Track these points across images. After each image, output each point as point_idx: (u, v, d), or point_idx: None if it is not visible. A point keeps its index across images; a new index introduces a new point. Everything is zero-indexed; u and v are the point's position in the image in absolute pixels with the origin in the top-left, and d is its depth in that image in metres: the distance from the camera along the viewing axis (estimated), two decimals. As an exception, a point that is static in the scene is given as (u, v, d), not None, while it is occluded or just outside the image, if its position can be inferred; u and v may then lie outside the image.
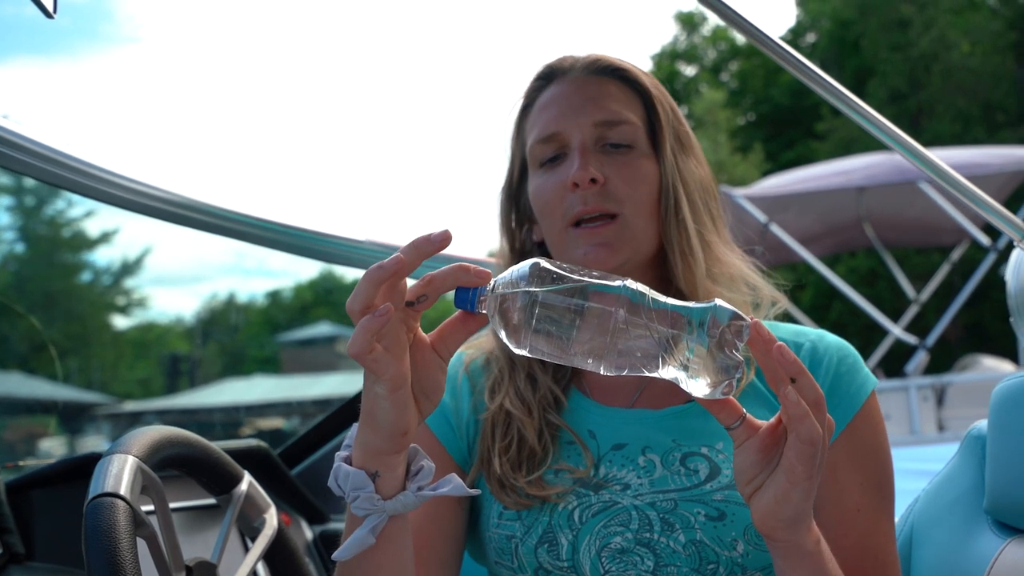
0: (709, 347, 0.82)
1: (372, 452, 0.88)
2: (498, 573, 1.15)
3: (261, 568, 1.50)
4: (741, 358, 0.82)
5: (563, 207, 1.14)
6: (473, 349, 1.27)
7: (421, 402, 0.89)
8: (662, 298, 0.84)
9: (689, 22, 27.33)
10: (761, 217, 8.57)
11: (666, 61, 26.66)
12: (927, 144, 1.22)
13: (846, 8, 23.28)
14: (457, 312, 0.88)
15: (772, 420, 0.87)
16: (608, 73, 1.20)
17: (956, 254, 9.85)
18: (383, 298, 0.83)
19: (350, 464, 0.89)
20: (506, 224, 1.26)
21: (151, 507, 1.04)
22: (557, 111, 1.18)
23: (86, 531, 0.92)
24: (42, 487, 1.46)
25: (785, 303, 1.20)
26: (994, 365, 9.30)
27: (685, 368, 0.83)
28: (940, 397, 7.81)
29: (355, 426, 0.91)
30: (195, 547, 1.38)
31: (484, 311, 0.86)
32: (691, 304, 0.84)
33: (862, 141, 19.25)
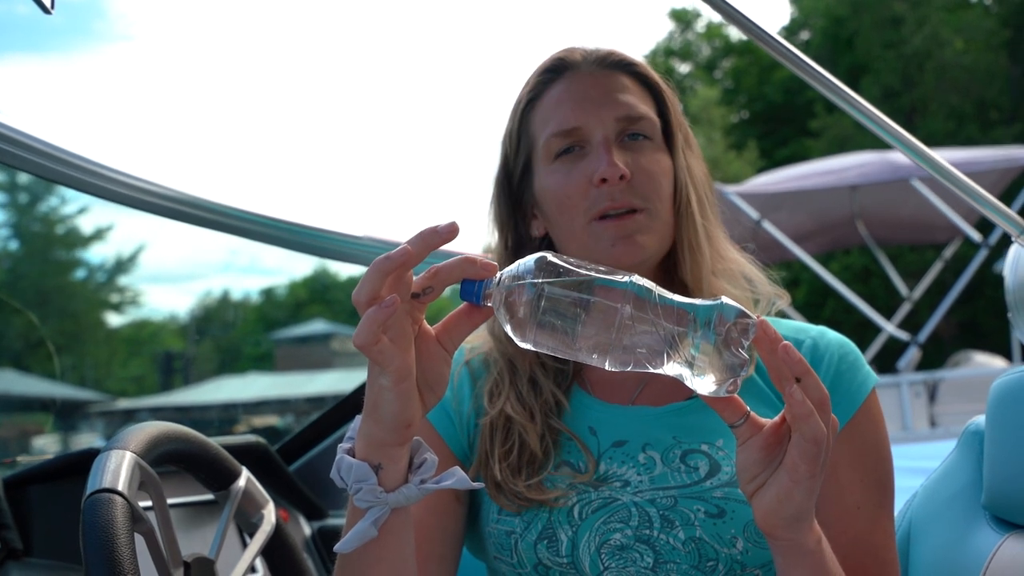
0: (715, 345, 0.82)
1: (375, 444, 0.87)
2: (497, 568, 1.15)
3: (259, 564, 1.50)
4: (747, 356, 0.82)
5: (586, 202, 1.13)
6: (472, 346, 1.26)
7: (425, 394, 0.89)
8: (668, 295, 0.84)
9: (683, 19, 27.33)
10: (753, 214, 8.58)
11: (660, 58, 26.65)
12: (921, 142, 1.22)
13: (839, 5, 23.30)
14: (462, 304, 0.88)
15: (776, 419, 0.87)
16: (621, 68, 1.19)
17: (949, 251, 9.87)
18: (389, 289, 0.83)
19: (353, 456, 0.89)
20: (501, 219, 1.24)
21: (149, 503, 1.04)
22: (575, 105, 1.16)
23: (84, 527, 0.92)
24: (40, 483, 1.45)
25: (786, 300, 1.20)
26: (986, 361, 9.33)
27: (690, 365, 0.83)
28: (932, 393, 7.83)
29: (358, 418, 0.90)
30: (193, 543, 1.38)
31: (489, 304, 0.85)
32: (697, 301, 0.84)
33: (856, 138, 19.29)
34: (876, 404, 1.13)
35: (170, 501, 1.12)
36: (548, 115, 1.18)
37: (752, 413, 0.87)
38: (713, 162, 19.69)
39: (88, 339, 23.25)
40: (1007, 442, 1.12)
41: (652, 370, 0.84)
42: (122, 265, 24.69)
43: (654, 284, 0.85)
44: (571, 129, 1.16)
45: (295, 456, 1.95)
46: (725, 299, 0.83)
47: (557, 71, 1.20)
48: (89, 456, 1.11)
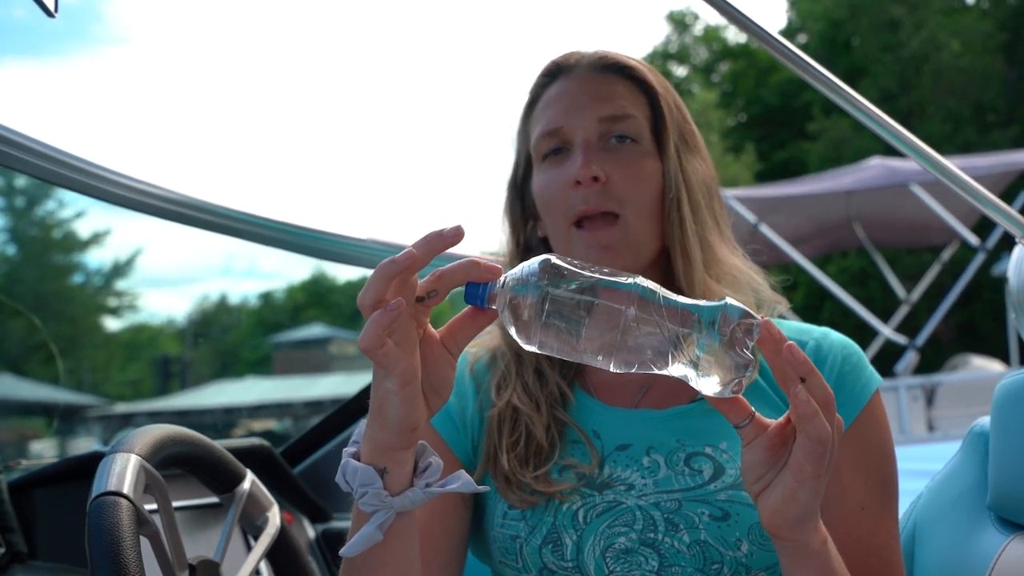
0: (719, 345, 0.82)
1: (381, 448, 0.87)
2: (502, 573, 1.14)
3: (264, 567, 1.50)
4: (751, 357, 0.82)
5: (565, 205, 1.14)
6: (477, 347, 1.27)
7: (430, 398, 0.89)
8: (672, 296, 0.84)
9: (681, 22, 27.37)
10: (751, 217, 8.60)
11: (658, 61, 26.67)
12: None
13: (837, 8, 23.34)
14: (467, 308, 0.88)
15: (781, 419, 0.87)
16: (614, 70, 1.20)
17: (946, 254, 9.89)
18: (394, 293, 0.83)
19: (358, 460, 0.89)
20: (511, 219, 1.25)
21: (154, 506, 1.04)
22: (561, 107, 1.18)
23: (89, 530, 0.92)
24: (45, 486, 1.45)
25: (786, 305, 1.20)
26: (983, 365, 9.34)
27: (695, 366, 0.83)
28: (930, 397, 7.84)
29: (363, 422, 0.90)
30: (198, 546, 1.38)
31: (494, 307, 0.85)
32: (701, 302, 0.84)
33: (854, 141, 19.34)
34: (880, 405, 1.13)
35: (175, 504, 1.12)
36: (540, 117, 1.20)
37: (757, 414, 0.87)
38: (711, 165, 19.63)
39: (85, 343, 23.24)
40: (1012, 443, 1.12)
41: (657, 371, 0.84)
42: (119, 269, 24.69)
43: (658, 285, 0.85)
44: (555, 130, 1.17)
45: (299, 459, 1.95)
46: (729, 300, 0.83)
47: (554, 74, 1.22)
48: (94, 459, 1.11)
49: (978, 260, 8.69)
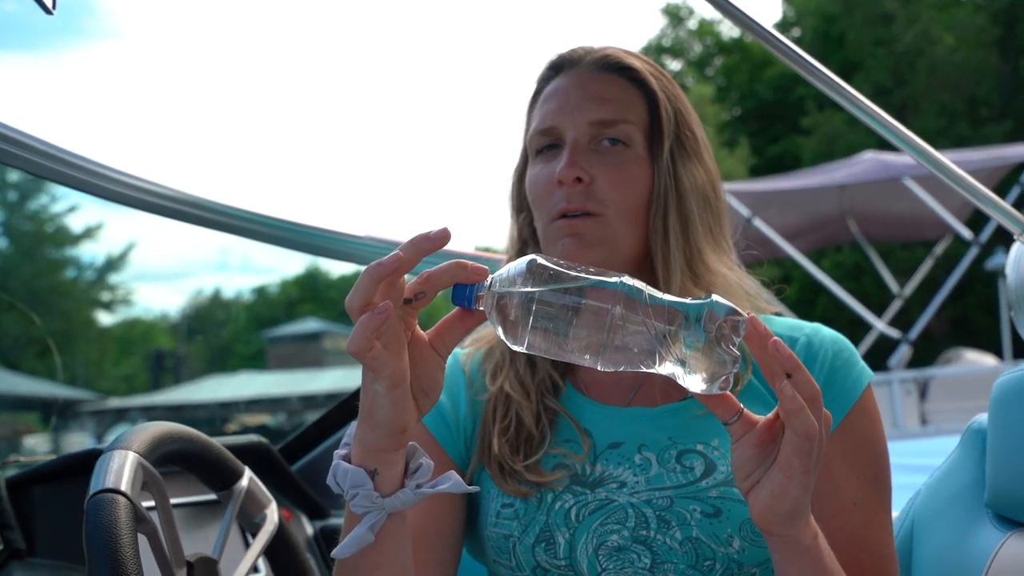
0: (706, 342, 0.82)
1: (371, 449, 0.87)
2: (497, 572, 1.15)
3: (262, 563, 1.50)
4: (738, 353, 0.83)
5: (549, 201, 1.14)
6: (472, 345, 1.27)
7: (420, 399, 0.89)
8: (659, 294, 0.85)
9: (675, 16, 27.37)
10: (745, 212, 8.61)
11: (652, 55, 26.62)
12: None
13: (830, 3, 23.36)
14: (455, 309, 0.88)
15: (769, 415, 0.87)
16: (616, 71, 1.19)
17: (939, 248, 9.92)
18: (382, 296, 0.83)
19: (349, 462, 0.89)
20: (514, 210, 1.26)
21: (152, 503, 1.04)
22: (557, 104, 1.18)
23: (87, 527, 0.91)
24: (43, 483, 1.45)
25: (782, 311, 1.20)
26: (976, 359, 9.38)
27: (682, 363, 0.83)
28: (923, 391, 7.87)
29: (354, 424, 0.90)
30: (196, 543, 1.37)
31: (481, 308, 0.86)
32: (688, 300, 0.84)
33: (847, 136, 19.37)
34: (871, 401, 1.13)
35: (173, 501, 1.12)
36: (538, 111, 1.20)
37: (746, 410, 0.88)
38: (705, 160, 19.64)
39: (79, 338, 23.19)
40: (1010, 440, 1.12)
41: (645, 370, 0.84)
42: (113, 263, 24.65)
43: (644, 284, 0.85)
44: (548, 128, 1.17)
45: (297, 455, 1.95)
46: (715, 297, 0.84)
47: (557, 69, 1.21)
48: (92, 456, 1.11)
49: (971, 254, 8.72)
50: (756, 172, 20.59)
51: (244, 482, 1.20)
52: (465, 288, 0.85)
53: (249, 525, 1.23)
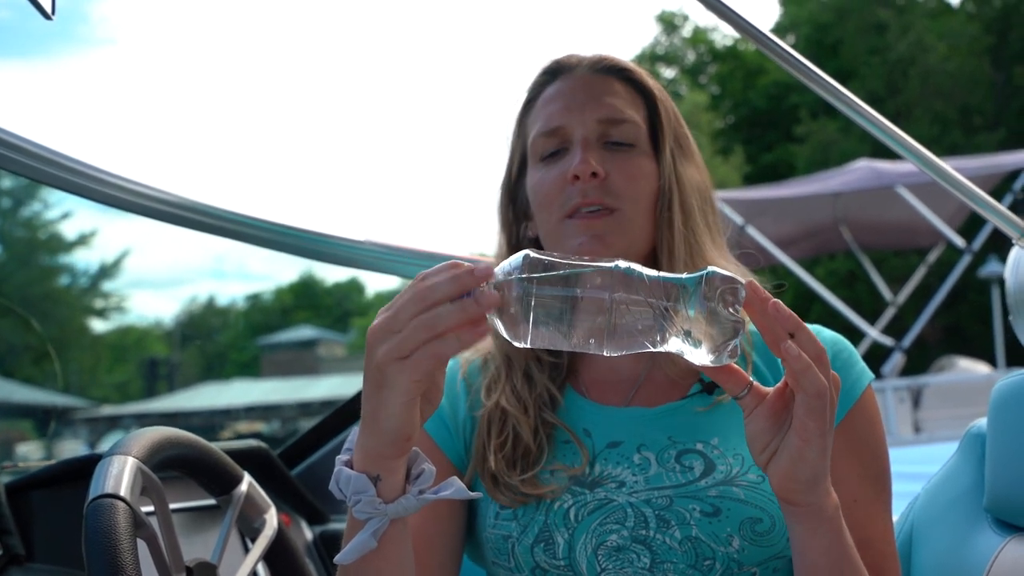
0: (707, 311, 0.82)
1: (373, 456, 0.87)
2: (496, 573, 1.14)
3: (261, 569, 1.49)
4: (740, 318, 0.83)
5: (561, 199, 1.14)
6: (469, 352, 1.27)
7: (423, 407, 0.89)
8: (655, 272, 0.85)
9: (670, 23, 27.44)
10: (739, 220, 8.63)
11: (646, 63, 26.73)
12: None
13: (824, 12, 23.46)
14: None
15: (779, 384, 0.88)
16: (613, 72, 1.20)
17: (932, 256, 9.96)
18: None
19: (351, 468, 0.89)
20: (503, 219, 1.26)
21: (151, 508, 1.03)
22: (561, 106, 1.18)
23: (86, 532, 0.91)
24: (42, 488, 1.45)
25: None
26: (970, 366, 9.41)
27: (687, 336, 0.83)
28: (916, 399, 7.89)
29: (355, 429, 0.90)
30: (195, 548, 1.37)
31: None
32: (683, 275, 0.85)
33: (840, 144, 19.44)
34: (872, 401, 1.14)
35: (172, 506, 1.11)
36: (538, 115, 1.20)
37: (755, 383, 0.88)
38: (700, 168, 19.69)
39: (72, 345, 23.11)
40: (1009, 445, 1.13)
41: (651, 349, 0.84)
42: (106, 270, 24.58)
43: (639, 265, 0.86)
44: (555, 129, 1.17)
45: (297, 460, 1.95)
46: (712, 267, 0.84)
47: (553, 74, 1.22)
48: (91, 461, 1.10)
49: (964, 262, 8.75)
50: (750, 180, 20.62)
51: (243, 487, 1.20)
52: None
53: (248, 530, 1.23)
